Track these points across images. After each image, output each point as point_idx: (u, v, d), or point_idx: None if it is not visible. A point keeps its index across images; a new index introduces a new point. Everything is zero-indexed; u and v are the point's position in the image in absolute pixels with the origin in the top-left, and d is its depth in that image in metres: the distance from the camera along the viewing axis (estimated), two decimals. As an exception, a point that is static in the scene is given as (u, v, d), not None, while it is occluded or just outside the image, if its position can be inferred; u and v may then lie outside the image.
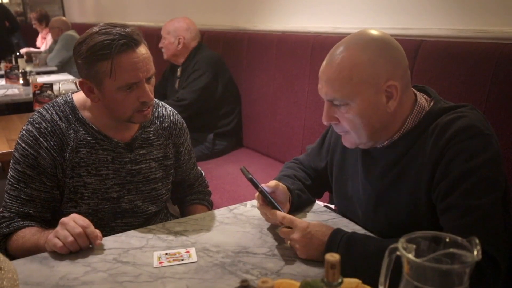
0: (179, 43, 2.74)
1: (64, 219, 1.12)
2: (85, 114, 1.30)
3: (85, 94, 1.26)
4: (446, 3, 1.76)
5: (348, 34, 2.33)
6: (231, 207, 1.35)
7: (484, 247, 0.86)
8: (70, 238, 1.08)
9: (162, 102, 1.48)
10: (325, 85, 1.08)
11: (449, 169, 0.99)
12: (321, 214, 1.29)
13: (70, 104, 1.30)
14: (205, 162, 2.57)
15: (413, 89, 1.13)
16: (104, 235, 1.17)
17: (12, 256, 1.20)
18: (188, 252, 1.08)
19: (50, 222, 1.30)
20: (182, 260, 1.05)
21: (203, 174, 1.65)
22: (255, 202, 1.35)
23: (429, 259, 0.65)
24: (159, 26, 4.09)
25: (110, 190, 1.32)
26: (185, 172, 1.53)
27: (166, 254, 1.08)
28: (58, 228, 1.11)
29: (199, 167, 1.63)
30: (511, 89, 1.43)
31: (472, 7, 1.68)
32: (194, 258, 1.06)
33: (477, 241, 0.63)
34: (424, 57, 1.73)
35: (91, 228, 1.11)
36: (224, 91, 2.72)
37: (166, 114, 1.44)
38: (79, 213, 1.19)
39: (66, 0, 8.55)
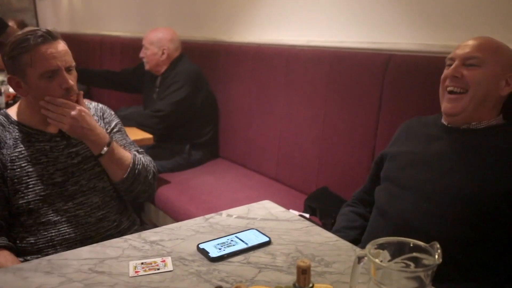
0: (163, 53, 2.75)
1: None
2: (18, 117, 1.42)
3: (14, 89, 1.39)
4: (414, 19, 1.84)
5: (321, 47, 2.40)
6: (207, 216, 1.37)
7: None
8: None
9: (90, 101, 1.62)
10: (471, 47, 1.28)
11: None
12: (295, 223, 1.32)
13: (4, 113, 1.44)
14: (181, 172, 2.58)
15: None
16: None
17: None
18: (164, 261, 1.10)
19: (9, 222, 1.36)
20: (158, 269, 1.06)
21: (151, 160, 1.65)
22: (230, 211, 1.38)
23: (395, 264, 0.69)
24: (135, 37, 4.09)
25: (53, 175, 1.41)
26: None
27: (142, 263, 1.09)
28: None
29: (143, 154, 1.64)
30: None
31: (438, 23, 1.76)
32: (170, 267, 1.07)
33: (438, 245, 0.67)
34: (394, 70, 1.80)
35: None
36: (202, 103, 2.74)
37: (91, 106, 1.58)
38: (28, 202, 1.31)
39: (40, 9, 8.43)
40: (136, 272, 1.05)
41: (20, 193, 1.36)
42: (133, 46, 3.93)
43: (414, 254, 0.68)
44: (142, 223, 1.56)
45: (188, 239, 1.22)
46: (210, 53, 2.96)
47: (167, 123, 2.60)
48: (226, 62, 2.80)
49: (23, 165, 1.37)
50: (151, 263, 1.09)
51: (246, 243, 1.16)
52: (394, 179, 1.36)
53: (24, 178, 1.36)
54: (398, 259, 0.68)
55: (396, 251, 0.72)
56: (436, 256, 0.66)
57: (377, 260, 0.69)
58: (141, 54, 2.85)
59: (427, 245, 0.69)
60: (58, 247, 1.38)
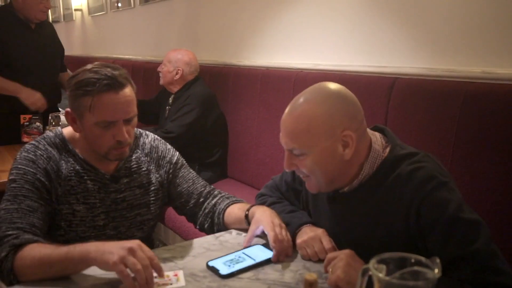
0: (176, 73, 2.85)
1: (132, 246, 1.06)
2: (75, 145, 1.37)
3: (69, 123, 1.35)
4: (417, 43, 1.90)
5: (328, 70, 2.46)
6: (217, 234, 1.41)
7: (502, 280, 0.94)
8: (139, 266, 1.03)
9: (146, 132, 1.55)
10: (285, 135, 1.16)
11: (430, 224, 1.02)
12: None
13: (60, 136, 1.38)
14: (191, 192, 2.63)
15: (369, 131, 1.17)
16: None
17: (16, 279, 1.12)
18: (176, 275, 1.14)
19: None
20: (171, 284, 1.10)
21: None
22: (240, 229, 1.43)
23: (397, 277, 0.73)
24: (146, 60, 4.20)
25: (96, 218, 1.37)
26: (188, 182, 1.56)
27: (155, 277, 1.13)
28: (124, 252, 1.04)
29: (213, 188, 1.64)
30: (477, 123, 1.55)
31: (441, 48, 1.82)
32: (182, 282, 1.11)
33: (438, 260, 0.71)
34: (399, 93, 1.85)
35: (156, 260, 1.08)
36: (212, 125, 2.81)
37: (147, 141, 1.52)
38: (67, 241, 1.23)
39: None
40: (149, 287, 1.09)
41: (61, 230, 1.33)
42: (145, 68, 4.04)
43: (416, 268, 0.71)
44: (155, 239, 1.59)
45: (199, 256, 1.26)
46: (220, 76, 3.04)
47: (177, 144, 2.64)
48: (235, 85, 2.88)
49: (71, 201, 1.33)
50: (164, 277, 1.13)
51: (254, 259, 1.20)
52: None
53: (69, 216, 1.33)
54: (396, 273, 0.72)
55: (398, 265, 0.76)
56: (436, 270, 0.70)
57: (380, 274, 0.73)
58: (159, 68, 2.97)
59: (428, 259, 0.73)
60: None
